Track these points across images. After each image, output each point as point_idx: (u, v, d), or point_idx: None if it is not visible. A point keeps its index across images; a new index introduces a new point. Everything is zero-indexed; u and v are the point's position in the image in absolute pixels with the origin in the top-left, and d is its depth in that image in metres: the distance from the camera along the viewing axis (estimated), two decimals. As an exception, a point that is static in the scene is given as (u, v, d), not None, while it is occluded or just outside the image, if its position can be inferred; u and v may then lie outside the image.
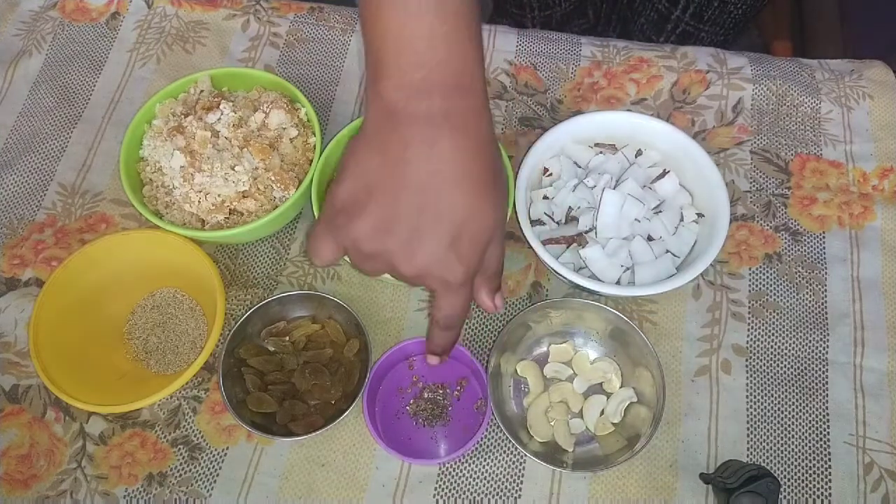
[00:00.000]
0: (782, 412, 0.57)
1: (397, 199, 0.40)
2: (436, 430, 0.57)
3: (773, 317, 0.61)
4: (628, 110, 0.68)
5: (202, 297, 0.61)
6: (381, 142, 0.41)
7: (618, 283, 0.56)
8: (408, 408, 0.58)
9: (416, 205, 0.40)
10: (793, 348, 0.59)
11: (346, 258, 0.45)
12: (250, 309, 0.57)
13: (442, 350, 0.50)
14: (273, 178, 0.58)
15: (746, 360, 0.59)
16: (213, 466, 0.56)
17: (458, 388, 0.59)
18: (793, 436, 0.57)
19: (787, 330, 0.60)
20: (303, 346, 0.59)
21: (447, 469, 0.56)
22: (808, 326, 0.60)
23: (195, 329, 0.61)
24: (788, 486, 0.55)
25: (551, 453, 0.54)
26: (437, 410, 0.58)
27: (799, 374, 0.59)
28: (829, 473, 0.55)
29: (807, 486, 0.55)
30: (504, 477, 0.56)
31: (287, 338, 0.59)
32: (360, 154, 0.42)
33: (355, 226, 0.42)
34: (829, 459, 0.56)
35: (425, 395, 0.58)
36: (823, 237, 0.64)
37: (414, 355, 0.59)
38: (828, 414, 0.57)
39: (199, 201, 0.58)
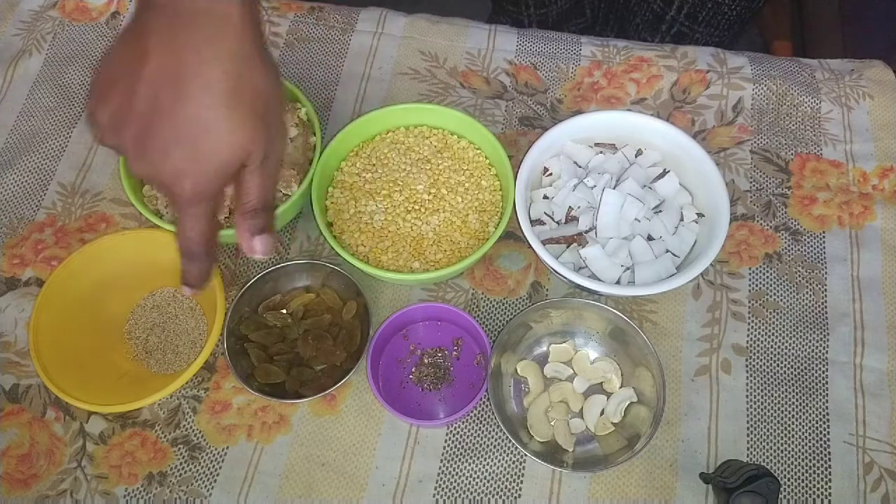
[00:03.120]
0: (782, 412, 0.57)
1: (133, 93, 0.40)
2: (442, 393, 0.58)
3: (773, 317, 0.61)
4: (628, 110, 0.68)
5: (202, 297, 0.61)
6: (131, 30, 0.41)
7: (618, 282, 0.56)
8: (411, 376, 0.59)
9: (149, 103, 0.39)
10: (793, 348, 0.59)
11: None
12: (242, 288, 0.58)
13: (190, 279, 0.47)
14: (273, 178, 0.58)
15: (746, 360, 0.59)
16: (213, 466, 0.56)
17: (456, 348, 0.60)
18: (793, 435, 0.57)
19: (787, 330, 0.60)
20: (301, 315, 0.60)
21: (447, 469, 0.56)
22: (808, 326, 0.60)
23: (195, 328, 0.61)
24: (788, 486, 0.55)
25: (551, 453, 0.54)
26: (439, 373, 0.58)
27: (799, 374, 0.59)
28: (829, 473, 0.55)
29: (807, 485, 0.55)
30: (504, 477, 0.56)
31: (284, 310, 0.60)
32: (119, 40, 0.42)
33: (99, 112, 0.41)
34: (829, 459, 0.56)
35: (425, 361, 0.59)
36: (823, 237, 0.64)
37: (405, 326, 0.60)
38: (828, 414, 0.57)
39: (199, 201, 0.58)
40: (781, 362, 0.59)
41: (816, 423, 0.57)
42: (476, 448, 0.57)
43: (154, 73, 0.39)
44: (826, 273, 0.62)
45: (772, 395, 0.58)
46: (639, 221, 0.58)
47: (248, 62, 0.41)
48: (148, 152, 0.40)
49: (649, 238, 0.58)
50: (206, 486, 0.56)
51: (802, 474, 0.55)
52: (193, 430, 0.58)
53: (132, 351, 0.60)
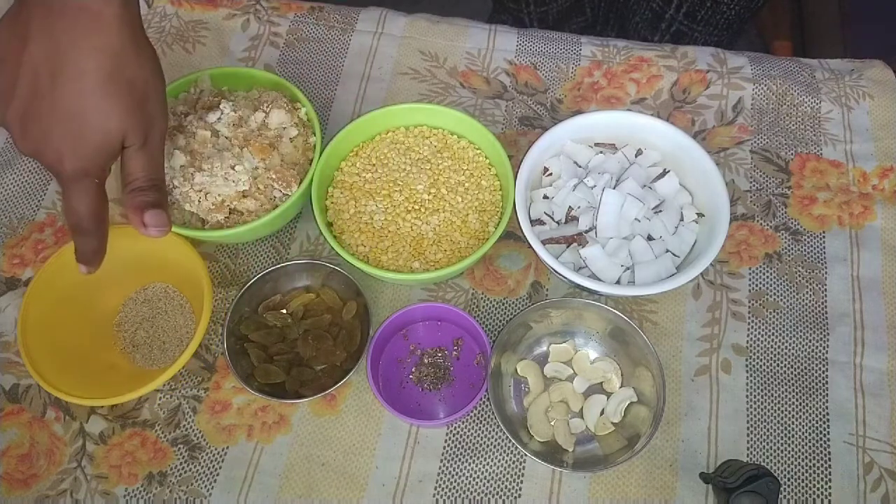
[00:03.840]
0: (782, 412, 0.57)
1: (15, 75, 0.43)
2: (442, 393, 0.58)
3: (773, 316, 0.61)
4: (628, 110, 0.68)
5: (193, 295, 0.61)
6: (13, 13, 0.44)
7: (618, 282, 0.56)
8: (411, 376, 0.59)
9: (30, 86, 0.43)
10: (793, 348, 0.59)
11: None
12: (243, 288, 0.58)
13: (82, 256, 0.49)
14: (273, 178, 0.58)
15: (746, 360, 0.59)
16: (213, 466, 0.56)
17: (456, 347, 0.60)
18: (793, 435, 0.57)
19: (787, 330, 0.60)
20: (301, 315, 0.60)
21: (447, 468, 0.56)
22: (808, 326, 0.60)
23: (184, 325, 0.61)
24: (788, 486, 0.55)
25: (551, 453, 0.54)
26: (439, 373, 0.59)
27: (799, 374, 0.59)
28: (829, 473, 0.55)
29: (807, 485, 0.55)
30: (504, 477, 0.56)
31: (284, 310, 0.60)
32: (4, 21, 0.45)
33: None
34: (829, 459, 0.56)
35: (425, 361, 0.59)
36: (823, 237, 0.64)
37: (405, 326, 0.60)
38: (828, 413, 0.57)
39: (199, 201, 0.58)
40: (781, 362, 0.59)
41: (816, 423, 0.57)
42: (476, 448, 0.57)
43: (34, 60, 0.43)
44: (826, 273, 0.62)
45: (772, 395, 0.58)
46: (639, 221, 0.58)
47: (123, 56, 0.44)
48: (30, 131, 0.44)
49: (649, 238, 0.58)
50: (206, 486, 0.56)
51: (802, 474, 0.55)
52: (193, 430, 0.58)
53: (120, 344, 0.60)
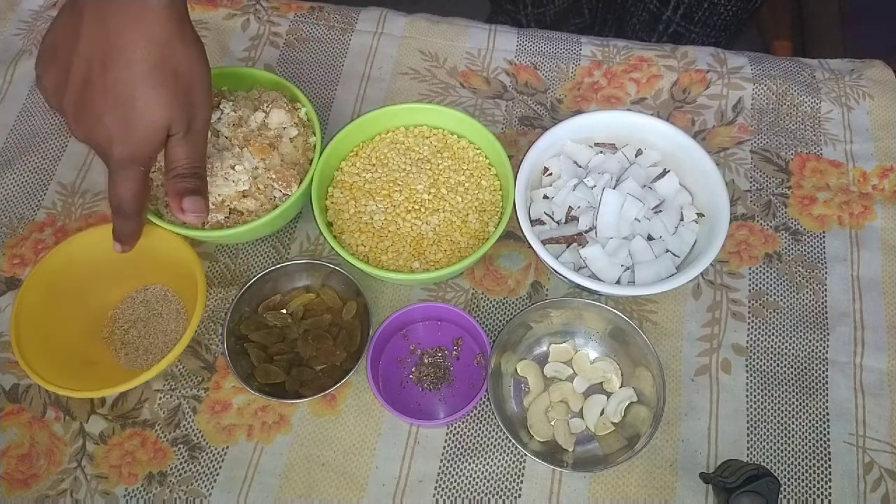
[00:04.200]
0: (782, 412, 0.57)
1: (69, 65, 0.45)
2: (442, 392, 0.58)
3: (773, 316, 0.61)
4: (628, 110, 0.68)
5: (191, 302, 0.61)
6: (70, 6, 0.46)
7: (618, 282, 0.56)
8: (411, 376, 0.59)
9: (83, 74, 0.45)
10: (793, 348, 0.59)
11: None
12: (242, 288, 0.57)
13: (120, 236, 0.53)
14: (273, 178, 0.58)
15: (746, 360, 0.59)
16: (213, 466, 0.56)
17: (456, 347, 0.60)
18: (793, 435, 0.57)
19: (787, 330, 0.60)
20: (301, 315, 0.60)
21: (447, 468, 0.56)
22: (808, 326, 0.60)
23: (174, 331, 0.60)
24: (788, 486, 0.55)
25: (551, 453, 0.54)
26: (439, 373, 0.59)
27: (799, 374, 0.59)
28: (829, 473, 0.55)
29: (807, 485, 0.55)
30: (504, 477, 0.56)
31: (284, 310, 0.60)
32: (60, 13, 0.47)
33: (43, 79, 0.48)
34: (829, 459, 0.56)
35: (425, 361, 0.59)
36: (823, 237, 0.64)
37: (405, 326, 0.60)
38: (828, 413, 0.57)
39: (199, 201, 0.58)
40: (781, 362, 0.59)
41: (816, 423, 0.57)
42: (476, 448, 0.57)
43: (86, 49, 0.45)
44: (826, 273, 0.62)
45: (772, 395, 0.58)
46: (639, 221, 0.58)
47: (169, 46, 0.46)
48: (83, 118, 0.46)
49: (649, 238, 0.58)
50: (206, 486, 0.56)
51: (802, 474, 0.55)
52: (193, 430, 0.58)
53: (110, 341, 0.60)
